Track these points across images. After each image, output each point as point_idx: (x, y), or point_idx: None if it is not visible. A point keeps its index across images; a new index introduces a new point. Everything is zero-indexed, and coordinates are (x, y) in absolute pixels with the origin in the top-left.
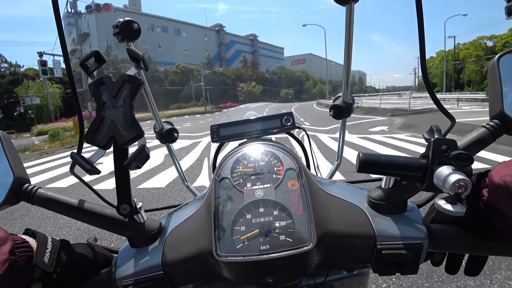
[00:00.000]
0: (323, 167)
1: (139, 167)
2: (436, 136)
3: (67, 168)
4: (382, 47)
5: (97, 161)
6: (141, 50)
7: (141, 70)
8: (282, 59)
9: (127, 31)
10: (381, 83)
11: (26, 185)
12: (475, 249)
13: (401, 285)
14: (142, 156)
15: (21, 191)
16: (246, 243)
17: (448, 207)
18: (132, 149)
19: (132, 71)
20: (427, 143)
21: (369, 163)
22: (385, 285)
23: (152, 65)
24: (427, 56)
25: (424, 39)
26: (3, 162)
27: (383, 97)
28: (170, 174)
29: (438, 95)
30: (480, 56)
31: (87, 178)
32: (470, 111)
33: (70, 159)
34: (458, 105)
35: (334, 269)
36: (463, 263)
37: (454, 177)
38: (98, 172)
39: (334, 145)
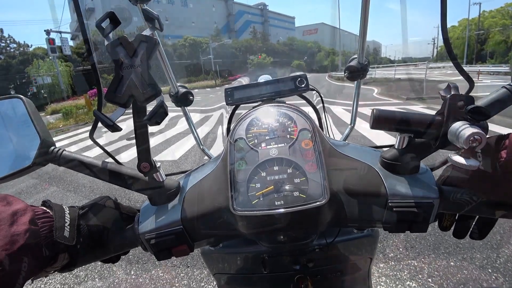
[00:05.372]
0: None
1: (158, 123)
2: (452, 93)
3: (83, 145)
4: (398, 16)
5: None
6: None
7: (156, 30)
8: (293, 29)
9: None
10: (396, 54)
11: (52, 147)
12: (487, 212)
13: (408, 255)
14: (161, 112)
15: (48, 153)
16: (261, 199)
17: (461, 160)
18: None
19: (147, 31)
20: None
21: (383, 119)
22: (392, 254)
23: (160, 39)
24: (448, 25)
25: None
26: (30, 127)
27: (398, 68)
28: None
29: None
30: (507, 25)
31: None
32: (490, 85)
33: (84, 136)
34: (478, 78)
35: (345, 227)
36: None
37: (469, 130)
38: (120, 129)
39: (346, 117)
